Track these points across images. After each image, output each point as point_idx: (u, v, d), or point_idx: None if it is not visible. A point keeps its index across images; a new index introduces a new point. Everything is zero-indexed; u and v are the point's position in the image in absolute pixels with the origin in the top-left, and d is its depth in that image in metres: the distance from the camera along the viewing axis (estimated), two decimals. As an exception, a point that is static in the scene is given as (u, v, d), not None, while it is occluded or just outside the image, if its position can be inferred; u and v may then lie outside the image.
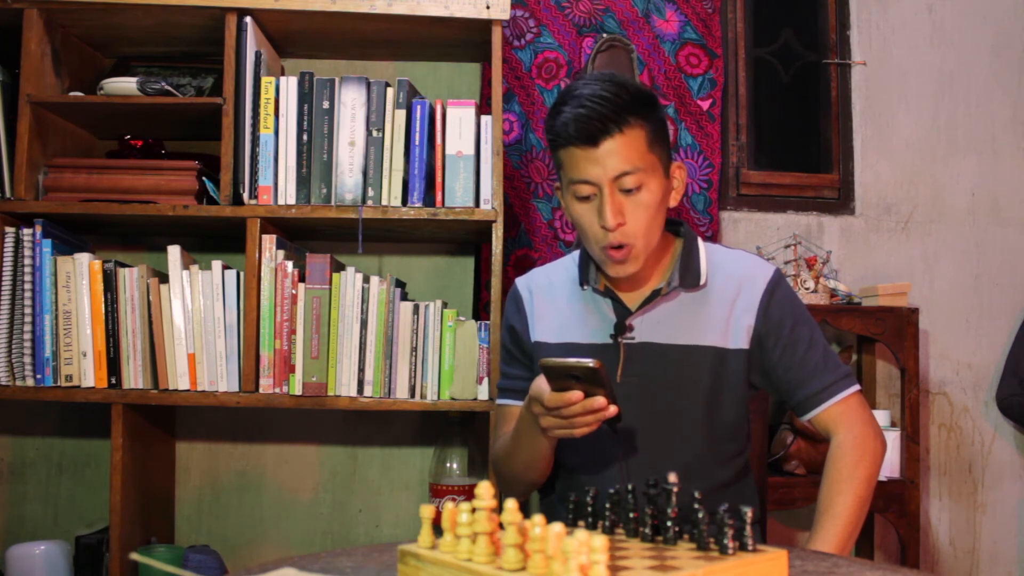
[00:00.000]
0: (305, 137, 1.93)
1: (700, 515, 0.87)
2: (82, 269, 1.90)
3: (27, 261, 1.90)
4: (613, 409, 1.18)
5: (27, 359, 1.88)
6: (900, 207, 2.56)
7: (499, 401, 1.56)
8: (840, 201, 2.57)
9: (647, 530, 0.91)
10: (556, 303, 1.49)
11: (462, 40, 2.12)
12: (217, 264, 1.91)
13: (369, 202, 1.92)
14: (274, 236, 1.91)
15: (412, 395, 1.91)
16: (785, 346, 1.40)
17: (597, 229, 1.34)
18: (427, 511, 0.88)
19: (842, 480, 1.36)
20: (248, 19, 1.93)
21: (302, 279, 1.91)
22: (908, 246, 2.56)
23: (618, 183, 1.31)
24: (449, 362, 1.91)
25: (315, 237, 2.21)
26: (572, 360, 1.15)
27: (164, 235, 2.14)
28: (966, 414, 2.55)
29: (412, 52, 2.25)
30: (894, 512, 2.21)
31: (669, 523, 0.89)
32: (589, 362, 1.12)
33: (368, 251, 2.25)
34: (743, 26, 2.56)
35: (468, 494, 1.95)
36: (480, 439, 2.08)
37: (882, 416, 2.29)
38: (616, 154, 1.30)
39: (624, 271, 1.37)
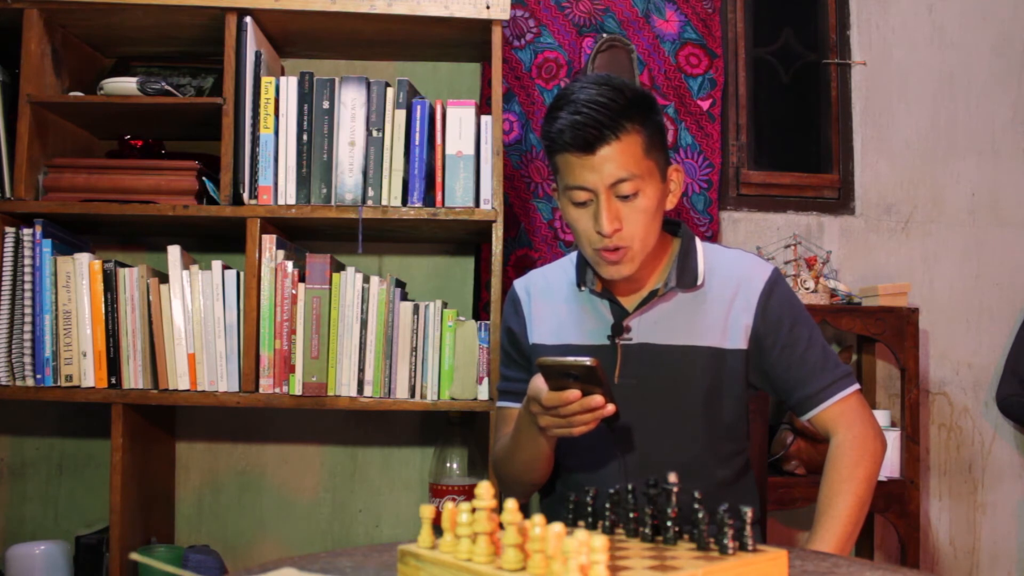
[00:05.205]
0: (305, 137, 1.93)
1: (700, 515, 0.87)
2: (82, 269, 1.90)
3: (27, 261, 1.90)
4: (611, 407, 1.18)
5: (27, 359, 1.88)
6: (900, 207, 2.56)
7: (499, 404, 1.56)
8: (840, 201, 2.57)
9: (647, 530, 0.91)
10: (554, 305, 1.49)
11: (462, 40, 2.12)
12: (217, 264, 1.91)
13: (369, 202, 1.92)
14: (274, 236, 1.91)
15: (412, 395, 1.91)
16: (784, 346, 1.40)
17: (593, 233, 1.33)
18: (427, 511, 0.88)
19: (842, 480, 1.36)
20: (248, 19, 1.93)
21: (302, 279, 1.91)
22: (908, 246, 2.56)
23: (614, 190, 1.31)
24: (449, 362, 1.91)
25: (315, 237, 2.21)
26: (569, 359, 1.15)
27: (164, 235, 2.14)
28: (966, 414, 2.55)
29: (412, 52, 2.25)
30: (894, 512, 2.21)
31: (669, 523, 0.89)
32: (586, 361, 1.13)
33: (368, 251, 2.25)
34: (743, 26, 2.56)
35: (468, 494, 1.95)
36: (480, 439, 2.08)
37: (882, 416, 2.29)
38: (612, 161, 1.29)
39: (619, 273, 1.36)
